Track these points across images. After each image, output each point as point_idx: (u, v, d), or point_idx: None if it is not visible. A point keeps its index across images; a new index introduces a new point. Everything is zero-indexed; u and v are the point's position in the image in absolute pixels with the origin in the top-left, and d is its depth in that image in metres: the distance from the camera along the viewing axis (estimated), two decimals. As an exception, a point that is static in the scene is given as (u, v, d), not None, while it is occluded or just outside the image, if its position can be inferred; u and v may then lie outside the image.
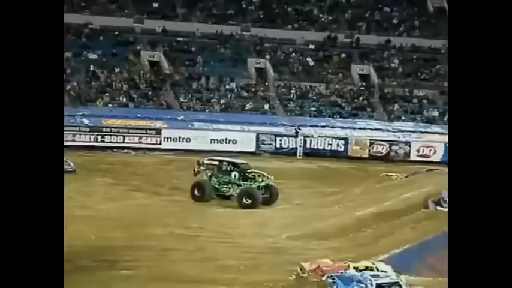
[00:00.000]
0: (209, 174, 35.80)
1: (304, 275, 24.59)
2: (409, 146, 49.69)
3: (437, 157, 48.50)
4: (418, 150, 49.54)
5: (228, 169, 35.66)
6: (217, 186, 35.31)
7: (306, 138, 49.07)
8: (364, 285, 23.43)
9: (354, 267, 24.56)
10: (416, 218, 30.53)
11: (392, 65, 57.99)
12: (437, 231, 29.00)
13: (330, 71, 56.75)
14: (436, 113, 54.48)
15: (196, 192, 35.12)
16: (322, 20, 60.01)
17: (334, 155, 48.17)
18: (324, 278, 24.05)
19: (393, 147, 49.57)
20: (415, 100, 55.59)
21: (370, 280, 23.57)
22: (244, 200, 34.55)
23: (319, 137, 49.41)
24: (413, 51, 58.84)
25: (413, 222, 30.14)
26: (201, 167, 36.11)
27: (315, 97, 54.71)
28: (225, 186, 35.47)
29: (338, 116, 53.03)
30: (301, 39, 57.93)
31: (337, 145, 49.54)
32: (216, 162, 36.18)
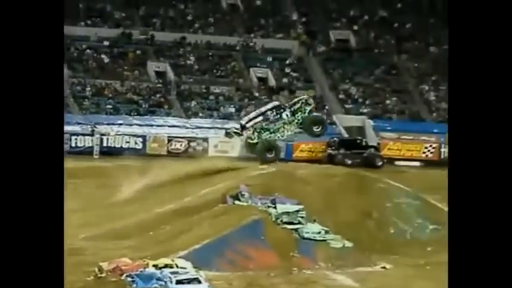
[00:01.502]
0: (257, 132, 36.29)
1: (103, 275, 24.23)
2: (207, 142, 49.92)
3: (235, 152, 49.08)
4: (215, 146, 49.85)
5: (276, 114, 36.42)
6: (272, 136, 36.39)
7: (102, 137, 48.18)
8: (163, 283, 23.39)
9: (154, 265, 24.49)
10: (215, 213, 30.75)
11: (188, 62, 58.09)
12: (235, 225, 29.39)
13: (125, 68, 56.10)
14: (232, 109, 55.11)
15: (268, 155, 36.11)
16: (116, 16, 59.23)
17: (132, 153, 47.60)
18: (123, 278, 23.84)
19: (191, 144, 49.63)
20: (211, 97, 55.98)
21: (170, 277, 23.54)
22: (315, 129, 36.72)
23: (116, 135, 48.65)
24: (208, 48, 59.20)
25: (212, 218, 30.34)
26: (246, 131, 36.45)
27: (110, 94, 53.89)
28: (279, 132, 36.53)
29: (135, 114, 52.50)
30: (95, 36, 56.90)
31: (135, 143, 49.01)
32: (261, 118, 36.55)
